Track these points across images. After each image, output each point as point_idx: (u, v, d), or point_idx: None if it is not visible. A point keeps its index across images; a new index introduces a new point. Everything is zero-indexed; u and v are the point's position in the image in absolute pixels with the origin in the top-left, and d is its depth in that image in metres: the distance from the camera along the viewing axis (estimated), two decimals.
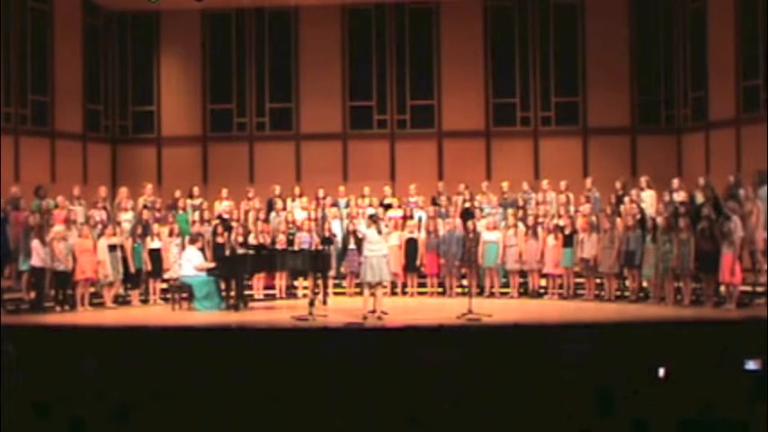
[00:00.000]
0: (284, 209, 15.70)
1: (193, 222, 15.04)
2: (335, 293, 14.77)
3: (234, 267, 13.73)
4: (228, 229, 14.56)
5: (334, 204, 15.92)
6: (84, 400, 6.72)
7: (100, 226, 14.06)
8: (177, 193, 15.70)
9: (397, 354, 9.98)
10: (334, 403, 6.66)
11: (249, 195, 16.14)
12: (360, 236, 13.80)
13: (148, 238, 14.24)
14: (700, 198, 13.80)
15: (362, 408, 6.46)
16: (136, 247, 14.08)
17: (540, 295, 14.46)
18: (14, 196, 14.15)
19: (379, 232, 12.34)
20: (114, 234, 13.88)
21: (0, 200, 13.98)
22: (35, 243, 13.04)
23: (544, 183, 16.06)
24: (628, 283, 13.82)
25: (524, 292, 14.62)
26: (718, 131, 16.98)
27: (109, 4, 18.93)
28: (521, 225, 14.58)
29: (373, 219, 12.69)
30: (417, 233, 14.91)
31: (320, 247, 14.01)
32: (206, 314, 13.14)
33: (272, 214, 15.67)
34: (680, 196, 14.23)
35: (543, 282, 14.56)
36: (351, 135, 18.99)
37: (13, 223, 13.73)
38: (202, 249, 13.98)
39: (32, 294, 13.29)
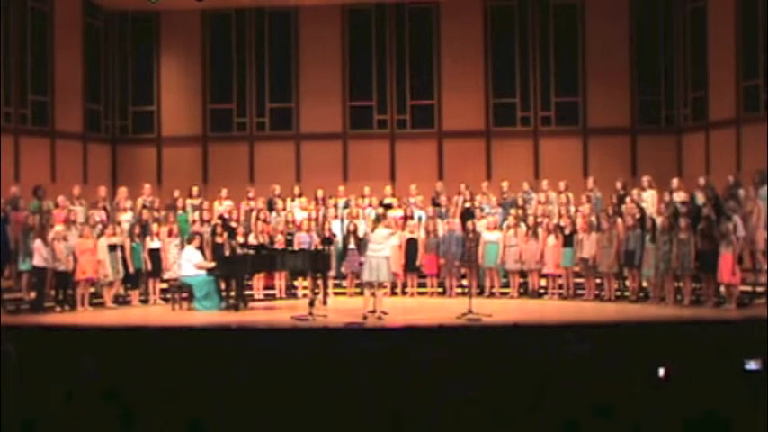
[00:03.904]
0: (284, 209, 15.70)
1: (193, 222, 15.04)
2: (335, 293, 14.77)
3: (234, 267, 13.74)
4: (229, 229, 14.55)
5: (335, 204, 15.91)
6: (84, 401, 6.71)
7: (100, 226, 14.06)
8: (176, 193, 15.71)
9: (398, 354, 9.97)
10: (335, 403, 6.66)
11: (249, 195, 16.14)
12: (362, 235, 13.79)
13: (148, 238, 14.24)
14: (700, 198, 13.80)
15: (363, 408, 6.46)
16: (135, 247, 14.08)
17: (540, 295, 14.47)
18: (14, 196, 14.15)
19: (373, 230, 12.30)
20: (114, 234, 13.88)
21: (0, 200, 13.98)
22: (37, 243, 13.05)
23: (544, 183, 16.06)
24: (628, 283, 13.82)
25: (524, 292, 14.63)
26: (718, 131, 16.99)
27: (109, 4, 18.94)
28: (521, 225, 14.59)
29: (378, 218, 12.68)
30: (417, 233, 14.92)
31: (320, 247, 14.01)
32: (206, 314, 13.14)
33: (272, 214, 15.66)
34: (680, 196, 14.24)
35: (543, 282, 14.56)
36: (351, 135, 18.99)
37: (13, 223, 13.73)
38: (201, 249, 13.98)
39: (32, 294, 13.29)
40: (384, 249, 12.22)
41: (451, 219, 15.11)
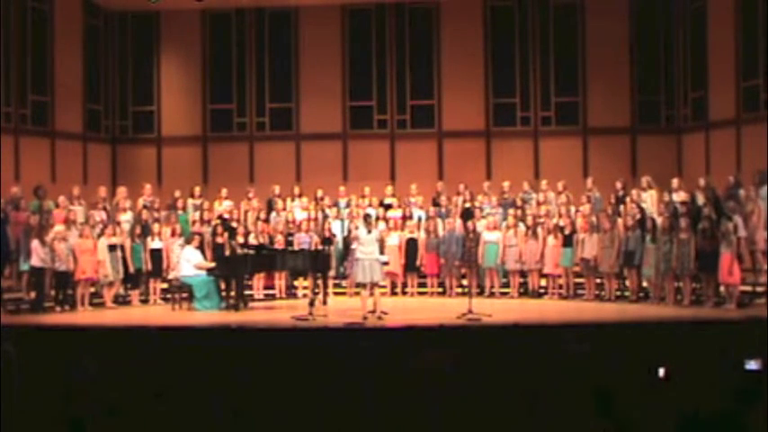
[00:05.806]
0: (284, 209, 15.70)
1: (194, 222, 15.04)
2: (335, 293, 14.78)
3: (234, 267, 13.74)
4: (229, 229, 14.55)
5: (335, 204, 15.91)
6: (84, 401, 6.71)
7: (100, 226, 14.06)
8: (177, 193, 15.70)
9: (398, 353, 9.96)
10: (335, 403, 6.66)
11: (249, 195, 16.15)
12: (353, 237, 13.76)
13: (149, 238, 14.24)
14: (700, 198, 13.80)
15: (363, 408, 6.46)
16: (135, 247, 14.09)
17: (540, 295, 14.47)
18: (14, 196, 14.15)
19: (369, 232, 12.31)
20: (114, 234, 13.88)
21: (0, 200, 13.98)
22: (35, 243, 13.04)
23: (544, 183, 16.07)
24: (628, 283, 13.82)
25: (524, 292, 14.63)
26: (718, 131, 16.98)
27: (109, 4, 18.94)
28: (521, 225, 14.59)
29: (366, 220, 12.67)
30: (417, 233, 14.91)
31: (320, 247, 14.00)
32: (206, 314, 13.15)
33: (272, 214, 15.66)
34: (680, 196, 14.24)
35: (543, 282, 14.56)
36: (351, 135, 18.99)
37: (13, 223, 13.73)
38: (201, 249, 13.98)
39: (32, 294, 13.29)
40: (374, 252, 12.23)
41: (452, 219, 15.11)
